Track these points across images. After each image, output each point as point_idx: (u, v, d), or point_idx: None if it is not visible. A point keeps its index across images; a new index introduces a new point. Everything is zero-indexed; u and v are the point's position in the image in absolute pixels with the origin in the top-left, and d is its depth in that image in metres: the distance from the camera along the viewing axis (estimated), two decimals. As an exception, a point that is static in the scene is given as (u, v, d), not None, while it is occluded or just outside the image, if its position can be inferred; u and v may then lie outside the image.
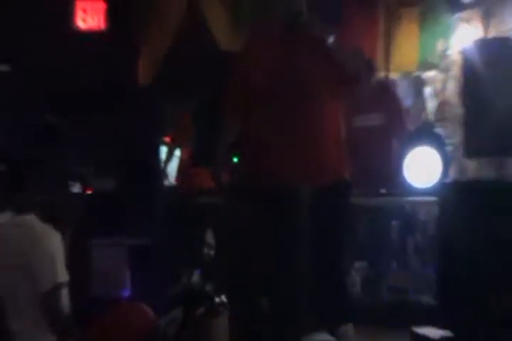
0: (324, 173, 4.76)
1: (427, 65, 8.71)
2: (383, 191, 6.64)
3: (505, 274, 4.37)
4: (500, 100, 5.73)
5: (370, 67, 6.65)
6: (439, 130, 7.03)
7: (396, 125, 6.82)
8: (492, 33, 7.87)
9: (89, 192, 6.94)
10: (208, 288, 5.06)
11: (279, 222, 4.50)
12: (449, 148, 6.87)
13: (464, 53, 6.43)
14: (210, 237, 6.69)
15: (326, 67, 4.70)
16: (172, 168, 8.60)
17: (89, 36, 9.85)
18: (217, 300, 4.38)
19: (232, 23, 9.04)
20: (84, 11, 9.90)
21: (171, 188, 8.21)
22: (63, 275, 4.32)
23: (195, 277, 6.27)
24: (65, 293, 4.31)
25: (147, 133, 7.76)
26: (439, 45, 8.63)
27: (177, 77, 8.85)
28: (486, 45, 6.38)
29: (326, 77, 4.72)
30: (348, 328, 4.89)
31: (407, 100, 8.16)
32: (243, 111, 4.89)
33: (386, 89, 7.26)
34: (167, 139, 8.63)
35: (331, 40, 4.65)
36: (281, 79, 4.71)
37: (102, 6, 9.95)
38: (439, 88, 8.55)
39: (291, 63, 4.72)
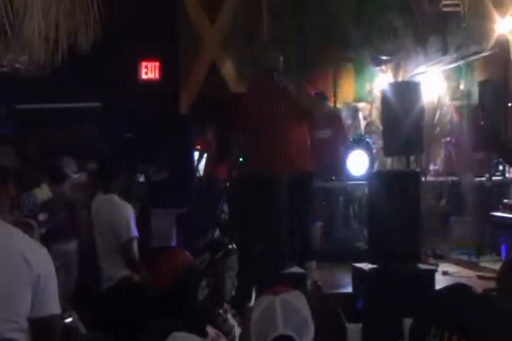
0: (295, 167, 4.79)
1: (359, 99, 8.72)
2: (333, 178, 6.66)
3: (407, 226, 4.36)
4: (405, 121, 5.75)
5: (324, 98, 6.72)
6: (367, 139, 7.03)
7: (340, 137, 6.82)
8: (400, 78, 7.89)
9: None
10: (224, 239, 5.07)
11: (267, 197, 4.53)
12: (374, 151, 6.88)
13: (382, 91, 6.45)
14: (225, 207, 6.71)
15: (289, 105, 4.73)
16: (201, 166, 8.63)
17: (149, 83, 9.92)
18: (230, 246, 4.39)
19: (238, 74, 9.10)
20: (146, 67, 9.97)
21: (201, 178, 8.23)
22: (134, 232, 4.34)
23: (216, 232, 6.28)
24: (135, 244, 4.32)
25: (186, 143, 7.73)
26: (367, 86, 8.65)
27: (205, 109, 8.92)
28: (396, 86, 6.40)
29: (289, 111, 4.75)
30: (312, 264, 4.90)
31: (347, 121, 8.16)
32: (246, 130, 4.94)
33: (334, 114, 7.28)
34: (198, 147, 8.62)
35: (291, 88, 4.70)
36: (265, 111, 4.75)
37: (157, 64, 10.06)
38: (367, 113, 8.56)
39: (270, 102, 4.76)
